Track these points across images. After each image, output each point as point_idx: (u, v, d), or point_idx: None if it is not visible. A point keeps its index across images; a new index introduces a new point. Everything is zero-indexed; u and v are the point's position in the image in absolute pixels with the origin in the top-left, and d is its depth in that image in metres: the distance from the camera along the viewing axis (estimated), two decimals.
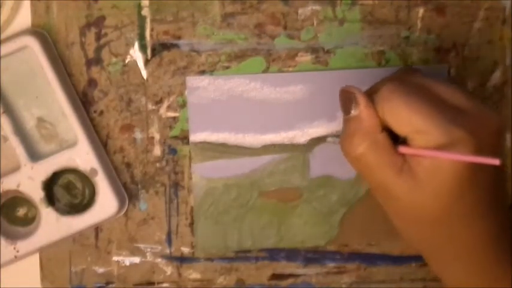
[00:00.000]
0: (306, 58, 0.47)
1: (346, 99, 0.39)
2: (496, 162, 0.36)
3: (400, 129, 0.37)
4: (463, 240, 0.39)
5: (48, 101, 0.45)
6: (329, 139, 0.47)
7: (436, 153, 0.36)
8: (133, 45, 0.46)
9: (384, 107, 0.38)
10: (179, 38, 0.46)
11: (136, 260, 0.48)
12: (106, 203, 0.45)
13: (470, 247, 0.39)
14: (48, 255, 0.47)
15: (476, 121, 0.37)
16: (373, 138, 0.38)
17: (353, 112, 0.38)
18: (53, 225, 0.45)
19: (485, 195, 0.38)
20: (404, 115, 0.37)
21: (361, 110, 0.38)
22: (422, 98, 0.37)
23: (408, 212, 0.38)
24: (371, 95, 0.39)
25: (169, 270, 0.48)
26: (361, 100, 0.38)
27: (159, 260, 0.48)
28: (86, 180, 0.46)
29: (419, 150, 0.37)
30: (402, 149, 0.38)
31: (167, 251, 0.48)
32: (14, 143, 0.44)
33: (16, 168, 0.45)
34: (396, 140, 0.38)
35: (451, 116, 0.36)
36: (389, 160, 0.38)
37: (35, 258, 0.47)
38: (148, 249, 0.48)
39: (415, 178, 0.37)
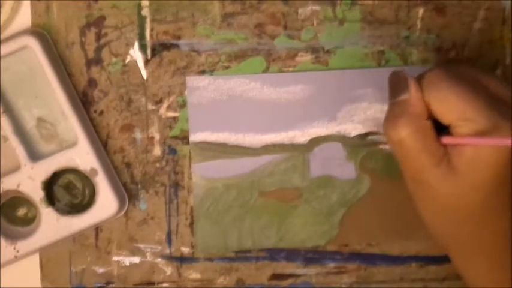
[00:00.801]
0: (306, 58, 0.47)
1: (396, 83, 0.39)
2: None
3: (445, 115, 0.37)
4: (490, 236, 0.39)
5: (48, 101, 0.45)
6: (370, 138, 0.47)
7: (480, 141, 0.36)
8: (133, 45, 0.46)
9: (431, 92, 0.38)
10: (179, 38, 0.46)
11: (136, 260, 0.48)
12: (106, 203, 0.45)
13: (496, 243, 0.39)
14: (48, 255, 0.47)
15: None
16: (418, 124, 0.38)
17: (403, 96, 0.38)
18: (53, 225, 0.45)
19: None
20: (451, 101, 0.37)
21: (411, 94, 0.38)
22: (469, 86, 0.37)
23: (441, 203, 0.38)
24: (418, 81, 0.39)
25: (169, 270, 0.48)
26: (413, 85, 0.38)
27: (159, 260, 0.48)
28: (86, 180, 0.46)
29: (462, 139, 0.37)
30: (446, 140, 0.38)
31: (167, 251, 0.48)
32: (14, 143, 0.44)
33: (16, 168, 0.45)
34: (438, 133, 0.38)
35: (496, 106, 0.37)
36: (431, 148, 0.37)
37: (35, 258, 0.47)
38: (148, 249, 0.48)
39: (454, 169, 0.37)
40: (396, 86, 0.39)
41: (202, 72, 0.47)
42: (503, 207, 0.38)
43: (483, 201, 0.37)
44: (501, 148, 0.36)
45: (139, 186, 0.47)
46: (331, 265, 0.49)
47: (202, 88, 0.47)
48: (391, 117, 0.39)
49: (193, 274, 0.48)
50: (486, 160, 0.36)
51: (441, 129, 0.38)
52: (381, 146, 0.47)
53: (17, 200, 0.46)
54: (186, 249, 0.48)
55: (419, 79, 0.39)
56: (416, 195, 0.40)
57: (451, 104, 0.37)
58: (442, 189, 0.38)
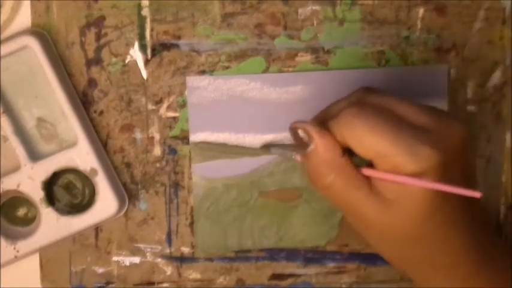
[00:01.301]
0: (306, 58, 0.47)
1: (298, 135, 0.39)
2: (476, 194, 0.36)
3: (364, 154, 0.37)
4: (441, 255, 0.39)
5: (48, 101, 0.45)
6: (273, 150, 0.46)
7: (397, 178, 0.36)
8: (133, 45, 0.46)
9: (345, 132, 0.37)
10: (179, 38, 0.46)
11: (136, 260, 0.48)
12: (106, 203, 0.45)
13: (449, 261, 0.39)
14: (48, 255, 0.47)
15: (440, 135, 0.36)
16: (337, 166, 0.38)
17: (310, 148, 0.38)
18: (53, 225, 0.45)
19: (456, 210, 0.37)
20: (368, 140, 0.36)
21: (317, 143, 0.38)
22: (385, 120, 0.36)
23: (383, 233, 0.38)
24: (325, 119, 0.39)
25: (169, 270, 0.48)
26: (315, 133, 0.38)
27: (159, 260, 0.48)
28: (86, 180, 0.46)
29: (382, 174, 0.37)
30: (366, 171, 0.38)
31: (167, 251, 0.48)
32: (14, 143, 0.44)
33: (16, 168, 0.45)
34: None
35: (414, 135, 0.36)
36: (356, 184, 0.37)
37: (35, 258, 0.47)
38: (148, 249, 0.48)
39: (384, 199, 0.37)
40: (299, 138, 0.38)
41: (202, 72, 0.47)
42: (445, 229, 0.38)
43: (420, 225, 0.37)
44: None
45: (139, 186, 0.47)
46: (331, 265, 0.49)
47: (202, 88, 0.47)
48: (310, 169, 0.38)
49: (193, 274, 0.48)
50: (410, 189, 0.36)
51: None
52: None
53: (17, 200, 0.46)
54: (186, 249, 0.48)
55: (327, 117, 0.39)
56: (361, 231, 0.40)
57: (367, 143, 0.36)
58: (379, 219, 0.37)
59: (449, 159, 0.36)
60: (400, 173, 0.36)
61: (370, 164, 0.38)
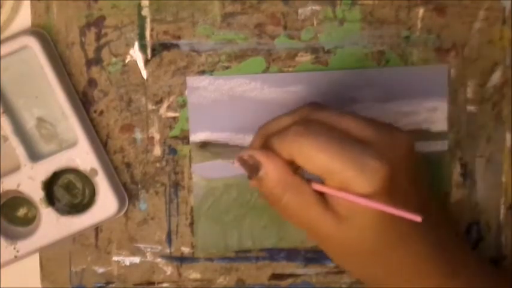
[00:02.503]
0: (306, 58, 0.47)
1: (246, 163, 0.39)
2: (417, 219, 0.36)
3: (312, 170, 0.37)
4: (405, 268, 0.39)
5: (48, 101, 0.45)
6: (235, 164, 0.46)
7: (347, 196, 0.36)
8: (133, 45, 0.46)
9: (293, 150, 0.37)
10: (179, 38, 0.46)
11: (136, 260, 0.48)
12: (106, 203, 0.45)
13: (413, 273, 0.39)
14: (48, 255, 0.47)
15: (385, 147, 0.37)
16: (289, 185, 0.38)
17: (260, 173, 0.38)
18: (53, 225, 0.45)
19: (410, 224, 0.37)
20: (314, 157, 0.37)
21: (266, 167, 0.38)
22: (330, 137, 0.37)
23: (342, 248, 0.39)
24: (267, 136, 0.39)
25: (169, 270, 0.48)
26: (261, 158, 0.38)
27: (159, 260, 0.48)
28: (86, 180, 0.46)
29: (332, 190, 0.37)
30: (316, 187, 0.38)
31: (167, 251, 0.48)
32: (14, 143, 0.44)
33: (16, 168, 0.45)
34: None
35: (359, 149, 0.36)
36: (312, 200, 0.38)
37: (35, 258, 0.47)
38: (148, 249, 0.48)
39: (338, 216, 0.37)
40: (248, 165, 0.39)
41: (202, 72, 0.47)
42: (401, 240, 0.38)
43: (375, 240, 0.38)
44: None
45: (139, 186, 0.47)
46: (331, 265, 0.49)
47: (202, 88, 0.47)
48: (266, 194, 0.39)
49: (193, 274, 0.48)
50: (361, 206, 0.36)
51: None
52: None
53: (17, 200, 0.46)
54: (186, 249, 0.48)
55: (271, 133, 0.39)
56: (321, 245, 0.40)
57: (314, 160, 0.37)
58: (336, 235, 0.38)
59: (396, 170, 0.36)
60: (349, 188, 0.36)
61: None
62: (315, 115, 0.39)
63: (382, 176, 0.36)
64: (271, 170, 0.38)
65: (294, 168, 0.38)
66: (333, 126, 0.38)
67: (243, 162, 0.39)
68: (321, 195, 0.38)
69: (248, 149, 0.39)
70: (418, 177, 0.39)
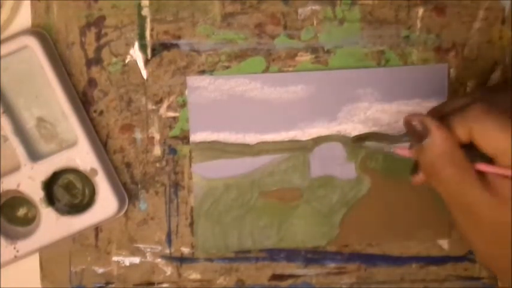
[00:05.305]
0: (306, 58, 0.47)
1: (412, 127, 0.38)
2: None
3: (489, 148, 0.37)
4: None
5: (48, 101, 0.45)
6: (368, 144, 0.45)
7: None
8: (133, 45, 0.46)
9: (474, 127, 0.37)
10: (179, 38, 0.46)
11: (136, 260, 0.48)
12: (106, 203, 0.45)
13: None
14: (48, 255, 0.47)
15: None
16: (453, 159, 0.37)
17: (427, 140, 0.38)
18: (53, 225, 0.45)
19: None
20: (494, 135, 0.36)
21: (435, 136, 0.37)
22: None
23: (494, 232, 0.38)
24: (441, 114, 0.39)
25: (169, 270, 0.48)
26: (433, 126, 0.37)
27: (159, 260, 0.48)
28: (86, 180, 0.46)
29: (501, 169, 0.37)
30: (480, 167, 0.37)
31: (167, 251, 0.48)
32: (14, 143, 0.44)
33: (16, 168, 0.45)
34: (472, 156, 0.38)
35: None
36: (473, 178, 0.37)
37: (35, 258, 0.47)
38: (148, 250, 0.48)
39: (500, 196, 0.37)
40: (414, 129, 0.38)
41: (203, 72, 0.47)
42: None
43: None
44: None
45: (139, 186, 0.47)
46: (332, 265, 0.48)
47: (202, 88, 0.47)
48: (426, 164, 0.38)
49: (193, 274, 0.48)
50: None
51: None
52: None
53: (17, 200, 0.46)
54: (186, 250, 0.48)
55: (445, 110, 0.39)
56: (467, 228, 0.39)
57: (495, 139, 0.36)
58: (492, 217, 0.37)
59: None
60: None
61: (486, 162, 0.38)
62: (495, 96, 0.39)
63: None
64: (439, 140, 0.37)
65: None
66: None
67: (410, 127, 0.38)
68: (484, 176, 0.37)
69: (419, 114, 0.38)
70: None
